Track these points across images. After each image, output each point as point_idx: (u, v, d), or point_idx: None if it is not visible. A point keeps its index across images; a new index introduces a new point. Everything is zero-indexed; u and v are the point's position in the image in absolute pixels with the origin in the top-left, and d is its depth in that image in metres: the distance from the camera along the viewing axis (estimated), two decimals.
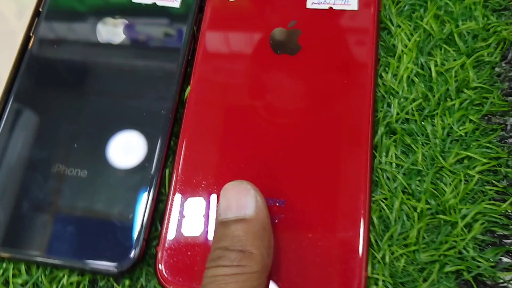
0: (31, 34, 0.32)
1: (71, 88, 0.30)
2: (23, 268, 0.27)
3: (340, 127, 0.27)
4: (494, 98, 0.30)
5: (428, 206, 0.27)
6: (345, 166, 0.26)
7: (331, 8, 0.30)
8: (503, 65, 0.31)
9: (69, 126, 0.29)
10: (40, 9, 0.32)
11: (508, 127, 0.30)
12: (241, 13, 0.31)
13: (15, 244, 0.26)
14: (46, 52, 0.31)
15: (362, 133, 0.27)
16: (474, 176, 0.28)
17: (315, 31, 0.30)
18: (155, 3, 0.32)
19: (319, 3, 0.31)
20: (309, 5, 0.31)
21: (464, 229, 0.27)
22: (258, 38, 0.30)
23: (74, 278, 0.27)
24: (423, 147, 0.29)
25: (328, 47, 0.29)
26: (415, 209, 0.27)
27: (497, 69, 0.31)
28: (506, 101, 0.30)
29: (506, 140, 0.29)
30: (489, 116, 0.30)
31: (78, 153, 0.28)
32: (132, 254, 0.26)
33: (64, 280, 0.27)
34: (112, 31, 0.31)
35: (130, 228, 0.26)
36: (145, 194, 0.27)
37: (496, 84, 0.31)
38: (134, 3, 0.32)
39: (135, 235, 0.26)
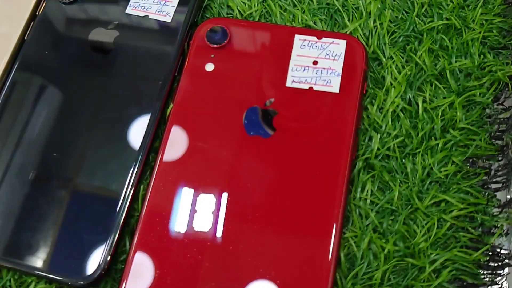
0: (25, 38, 0.32)
1: (54, 97, 0.31)
2: None
3: (310, 217, 0.27)
4: (481, 140, 0.29)
5: (396, 248, 0.27)
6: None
7: (311, 88, 0.29)
8: (495, 106, 0.30)
9: (49, 135, 0.29)
10: (37, 13, 0.33)
11: (492, 172, 0.29)
12: (217, 85, 0.30)
13: None
14: (37, 57, 0.32)
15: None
16: (448, 221, 0.27)
17: (292, 112, 0.29)
18: (147, 16, 0.32)
19: (299, 82, 0.29)
20: (288, 83, 0.29)
21: (432, 275, 0.26)
22: (231, 115, 0.29)
23: (42, 285, 0.28)
24: (400, 185, 0.28)
25: (304, 132, 0.28)
26: (383, 249, 0.27)
27: (488, 110, 0.30)
28: (494, 144, 0.29)
29: (489, 186, 0.29)
30: (474, 159, 0.29)
31: (56, 163, 0.29)
32: (97, 268, 0.26)
33: (32, 286, 0.28)
34: (103, 41, 0.32)
35: (98, 242, 0.27)
36: (117, 209, 0.27)
37: (485, 126, 0.30)
38: (127, 14, 0.32)
39: (102, 249, 0.27)
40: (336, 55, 0.30)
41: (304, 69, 0.30)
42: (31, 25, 0.33)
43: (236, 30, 0.31)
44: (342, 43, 0.30)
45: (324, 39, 0.30)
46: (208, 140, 0.28)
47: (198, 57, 0.30)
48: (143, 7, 0.32)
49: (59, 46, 0.32)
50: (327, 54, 0.30)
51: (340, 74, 0.29)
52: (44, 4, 0.33)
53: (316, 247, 0.26)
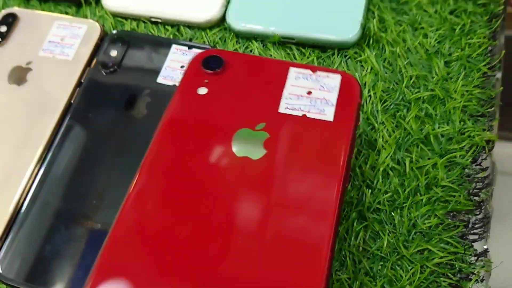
0: (71, 101, 0.38)
1: (97, 152, 0.36)
2: None
3: (300, 244, 0.25)
4: (460, 197, 0.34)
5: None
6: None
7: (304, 115, 0.29)
8: (473, 167, 0.35)
9: (93, 186, 0.35)
10: (82, 81, 0.39)
11: (470, 225, 0.33)
12: (209, 107, 0.30)
13: None
14: (81, 120, 0.37)
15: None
16: (430, 267, 0.31)
17: (284, 136, 0.29)
18: (174, 85, 0.37)
19: (292, 109, 0.29)
20: (281, 109, 0.30)
21: None
22: (221, 136, 0.29)
23: None
24: (389, 235, 0.33)
25: (295, 156, 0.28)
26: None
27: (467, 170, 0.35)
28: (472, 200, 0.34)
29: (467, 237, 0.33)
30: (454, 213, 0.34)
31: (102, 211, 0.34)
32: None
33: None
34: (138, 106, 0.37)
35: None
36: None
37: (464, 184, 0.34)
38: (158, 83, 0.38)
39: None
40: (330, 87, 0.30)
41: (298, 98, 0.30)
42: (77, 91, 0.39)
43: (232, 60, 0.32)
44: (337, 77, 0.30)
45: (318, 73, 0.31)
46: (196, 160, 0.28)
47: (191, 80, 0.31)
48: (171, 78, 0.38)
49: (101, 108, 0.38)
50: (322, 86, 0.30)
51: (335, 105, 0.29)
52: (88, 73, 0.39)
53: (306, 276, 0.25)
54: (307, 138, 0.29)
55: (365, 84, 0.38)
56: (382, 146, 0.36)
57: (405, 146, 0.35)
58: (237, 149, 0.28)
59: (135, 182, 0.27)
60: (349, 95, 0.30)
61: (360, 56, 0.40)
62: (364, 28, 0.41)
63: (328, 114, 0.29)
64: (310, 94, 0.30)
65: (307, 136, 0.29)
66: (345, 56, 0.40)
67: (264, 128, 0.29)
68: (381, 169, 0.35)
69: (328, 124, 0.29)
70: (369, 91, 0.38)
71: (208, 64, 0.31)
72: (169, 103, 0.30)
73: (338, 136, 0.28)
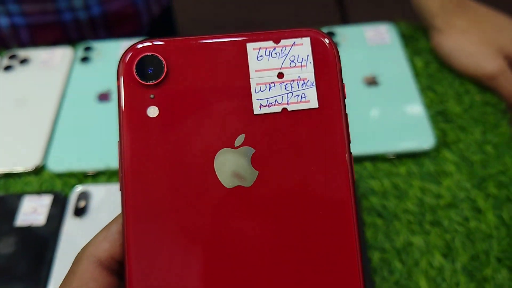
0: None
1: None
2: None
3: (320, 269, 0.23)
4: None
5: None
6: None
7: (284, 109, 0.23)
8: None
9: None
10: None
11: None
12: (168, 133, 0.23)
13: None
14: None
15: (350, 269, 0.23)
16: None
17: (271, 145, 0.23)
18: None
19: (268, 106, 0.23)
20: (256, 110, 0.23)
21: None
22: (199, 169, 0.23)
23: None
24: None
25: (291, 164, 0.23)
26: None
27: None
28: None
29: None
30: None
31: None
32: None
33: None
34: None
35: None
36: None
37: None
38: None
39: None
40: (302, 59, 0.24)
41: (270, 87, 0.24)
42: None
43: (173, 55, 0.23)
44: (306, 42, 0.24)
45: (283, 42, 0.24)
46: (179, 206, 0.23)
47: (133, 101, 0.23)
48: None
49: None
50: (292, 61, 0.24)
51: (314, 83, 0.24)
52: None
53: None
54: (297, 140, 0.23)
55: None
56: None
57: None
58: (225, 179, 0.23)
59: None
60: (326, 61, 0.24)
61: None
62: None
63: (311, 99, 0.23)
64: (282, 78, 0.24)
65: (296, 137, 0.23)
66: None
67: (245, 141, 0.23)
68: None
69: (314, 113, 0.23)
70: None
71: (144, 72, 0.23)
72: (120, 143, 0.23)
73: (330, 123, 0.23)
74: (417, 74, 0.51)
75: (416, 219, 0.41)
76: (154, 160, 0.23)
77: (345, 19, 0.89)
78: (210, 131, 0.23)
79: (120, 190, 0.22)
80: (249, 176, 0.23)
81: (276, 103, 0.23)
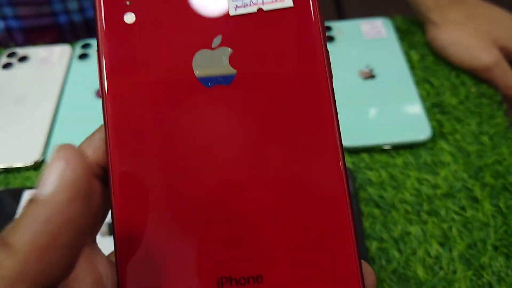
0: None
1: None
2: None
3: (307, 171, 0.22)
4: None
5: None
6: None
7: (260, 10, 0.23)
8: None
9: None
10: None
11: None
12: (145, 38, 0.23)
13: None
14: None
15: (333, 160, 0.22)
16: None
17: (248, 45, 0.23)
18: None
19: (244, 6, 0.23)
20: (232, 12, 0.23)
21: None
22: (178, 71, 0.23)
23: None
24: None
25: (268, 62, 0.23)
26: None
27: None
28: None
29: None
30: None
31: None
32: None
33: None
34: None
35: None
36: None
37: None
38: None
39: None
40: None
41: None
42: None
43: None
44: None
45: None
46: (160, 109, 0.22)
47: (109, 9, 0.23)
48: None
49: None
50: None
51: None
52: None
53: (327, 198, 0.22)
54: (274, 39, 0.23)
55: None
56: None
57: None
58: (204, 79, 0.23)
59: (109, 156, 0.22)
60: None
61: None
62: None
63: None
64: None
65: (272, 36, 0.23)
66: None
67: (223, 41, 0.23)
68: None
69: (290, 12, 0.23)
70: None
71: None
72: (98, 51, 0.23)
73: (306, 22, 0.23)
74: (413, 67, 0.52)
75: (413, 209, 0.41)
76: (133, 65, 0.23)
77: (341, 15, 0.89)
78: (187, 34, 0.23)
79: (100, 97, 0.22)
80: (229, 74, 0.23)
81: (251, 3, 0.24)
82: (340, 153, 0.22)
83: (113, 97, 0.22)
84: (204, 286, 0.21)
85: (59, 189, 0.17)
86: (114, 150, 0.22)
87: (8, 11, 0.58)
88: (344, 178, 0.22)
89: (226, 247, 0.21)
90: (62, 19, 0.61)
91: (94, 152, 0.21)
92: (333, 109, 0.23)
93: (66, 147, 0.18)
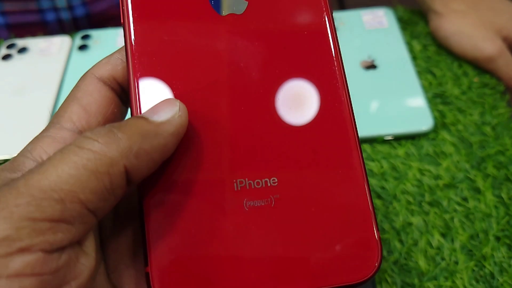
0: None
1: None
2: None
3: (316, 90, 0.23)
4: None
5: None
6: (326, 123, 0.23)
7: None
8: None
9: None
10: None
11: None
12: None
13: None
14: None
15: (337, 89, 0.23)
16: None
17: None
18: None
19: None
20: None
21: None
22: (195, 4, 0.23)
23: None
24: None
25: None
26: None
27: None
28: None
29: None
30: None
31: None
32: None
33: None
34: None
35: None
36: None
37: None
38: None
39: None
40: None
41: None
42: None
43: None
44: None
45: None
46: (179, 36, 0.23)
47: None
48: None
49: None
50: None
51: None
52: None
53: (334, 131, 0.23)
54: None
55: None
56: None
57: None
58: (218, 9, 0.24)
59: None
60: None
61: None
62: None
63: None
64: None
65: None
66: None
67: None
68: None
69: None
70: None
71: None
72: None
73: None
74: (415, 57, 0.51)
75: (415, 199, 0.41)
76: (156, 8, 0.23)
77: (342, 5, 0.89)
78: None
79: (122, 23, 0.23)
80: (240, 5, 0.24)
81: None
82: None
83: (136, 20, 0.23)
84: (221, 189, 0.21)
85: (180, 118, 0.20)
86: (135, 65, 0.22)
87: None
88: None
89: (243, 154, 0.22)
90: (50, 16, 0.60)
91: (113, 68, 0.22)
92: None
93: (87, 77, 0.21)
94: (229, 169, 0.21)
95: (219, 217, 0.21)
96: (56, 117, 0.21)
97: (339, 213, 0.21)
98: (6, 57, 0.53)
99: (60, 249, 0.16)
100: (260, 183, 0.21)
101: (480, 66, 0.50)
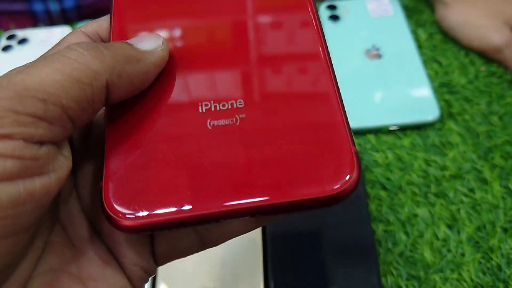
0: None
1: None
2: None
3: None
4: None
5: None
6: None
7: None
8: None
9: None
10: None
11: None
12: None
13: None
14: None
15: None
16: None
17: None
18: None
19: None
20: None
21: None
22: None
23: None
24: None
25: None
26: None
27: None
28: None
29: None
30: None
31: None
32: None
33: None
34: None
35: None
36: None
37: None
38: None
39: None
40: None
41: None
42: None
43: None
44: None
45: None
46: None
47: None
48: None
49: None
50: None
51: None
52: None
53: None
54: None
55: None
56: None
57: None
58: None
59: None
60: None
61: None
62: None
63: None
64: None
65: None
66: None
67: None
68: None
69: None
70: None
71: None
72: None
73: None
74: (420, 46, 0.50)
75: (421, 190, 0.40)
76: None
77: None
78: None
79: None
80: None
81: None
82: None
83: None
84: (185, 112, 0.21)
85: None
86: (116, 21, 0.23)
87: None
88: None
89: (210, 81, 0.22)
90: (38, 7, 0.59)
91: (98, 25, 0.23)
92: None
93: (72, 32, 0.22)
94: (196, 95, 0.21)
95: (179, 136, 0.20)
96: None
97: (309, 130, 0.20)
98: (6, 48, 0.52)
99: (40, 142, 0.17)
100: (226, 105, 0.21)
101: (487, 56, 0.49)
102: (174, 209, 0.18)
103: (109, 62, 0.19)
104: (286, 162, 0.19)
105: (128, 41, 0.21)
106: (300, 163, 0.19)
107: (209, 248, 0.22)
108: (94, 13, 0.61)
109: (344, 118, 0.20)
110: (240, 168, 0.19)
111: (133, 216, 0.18)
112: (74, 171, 0.21)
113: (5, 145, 0.16)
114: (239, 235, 0.21)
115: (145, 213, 0.18)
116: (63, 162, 0.18)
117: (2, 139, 0.16)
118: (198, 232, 0.21)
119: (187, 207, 0.18)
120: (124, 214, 0.18)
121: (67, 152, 0.18)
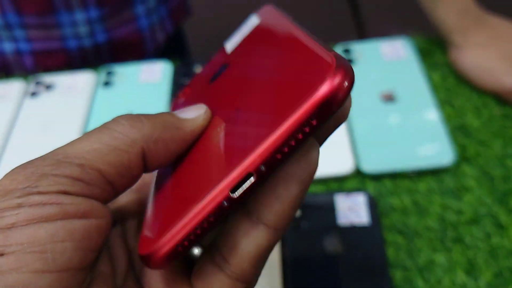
0: None
1: None
2: None
3: None
4: None
5: None
6: None
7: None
8: None
9: None
10: None
11: None
12: None
13: None
14: None
15: None
16: None
17: None
18: None
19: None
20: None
21: None
22: None
23: None
24: None
25: None
26: None
27: None
28: None
29: None
30: None
31: None
32: None
33: None
34: None
35: None
36: None
37: None
38: None
39: None
40: None
41: None
42: None
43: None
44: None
45: None
46: None
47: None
48: None
49: None
50: None
51: None
52: None
53: None
54: None
55: None
56: None
57: None
58: None
59: None
60: None
61: None
62: None
63: None
64: None
65: None
66: None
67: None
68: None
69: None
70: None
71: None
72: None
73: None
74: (434, 88, 0.52)
75: (437, 236, 0.41)
76: None
77: (362, 34, 0.89)
78: None
79: None
80: None
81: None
82: None
83: None
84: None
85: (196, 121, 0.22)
86: None
87: (19, 33, 0.59)
88: None
89: None
90: (72, 43, 0.61)
91: None
92: None
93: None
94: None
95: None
96: None
97: (284, 65, 0.20)
98: (34, 94, 0.54)
99: (77, 195, 0.18)
100: None
101: (501, 99, 0.50)
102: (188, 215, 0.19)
103: (147, 130, 0.20)
104: (272, 82, 0.20)
105: (173, 112, 0.22)
106: (283, 89, 0.19)
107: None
108: (124, 49, 0.64)
109: (312, 39, 0.19)
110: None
111: (158, 247, 0.19)
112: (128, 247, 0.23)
113: (41, 197, 0.18)
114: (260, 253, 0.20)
115: (167, 238, 0.19)
116: (103, 213, 0.19)
117: (40, 194, 0.18)
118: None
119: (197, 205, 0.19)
120: (152, 251, 0.19)
121: (108, 208, 0.20)
